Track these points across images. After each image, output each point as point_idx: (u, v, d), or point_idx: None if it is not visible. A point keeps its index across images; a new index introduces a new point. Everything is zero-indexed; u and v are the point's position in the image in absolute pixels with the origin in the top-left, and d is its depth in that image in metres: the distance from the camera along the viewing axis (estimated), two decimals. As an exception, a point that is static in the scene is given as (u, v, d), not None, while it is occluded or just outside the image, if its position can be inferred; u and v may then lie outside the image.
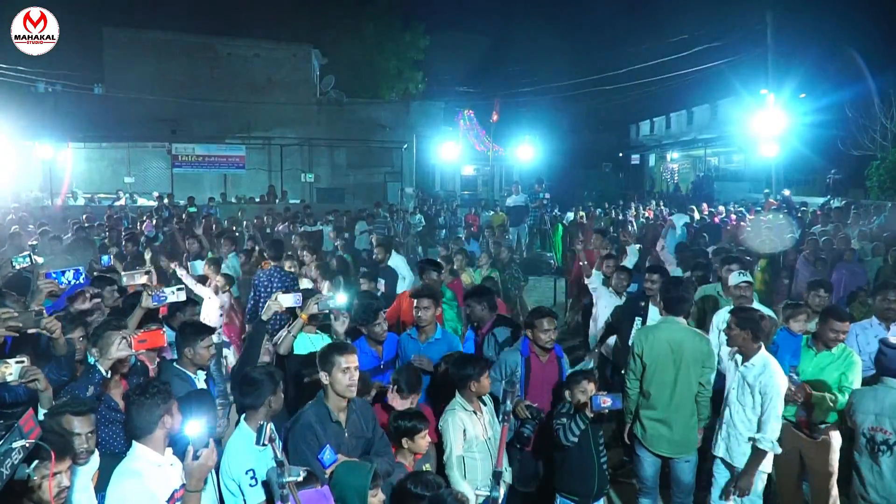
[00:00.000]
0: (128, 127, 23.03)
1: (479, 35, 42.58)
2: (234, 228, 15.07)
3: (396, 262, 9.21)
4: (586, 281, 8.07)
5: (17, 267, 4.24)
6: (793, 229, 13.32)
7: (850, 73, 22.30)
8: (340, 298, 5.07)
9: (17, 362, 2.88)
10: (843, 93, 22.39)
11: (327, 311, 5.14)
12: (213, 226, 15.30)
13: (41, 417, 2.94)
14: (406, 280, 9.23)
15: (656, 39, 30.50)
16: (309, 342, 5.10)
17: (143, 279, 4.82)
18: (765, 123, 22.22)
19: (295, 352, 4.88)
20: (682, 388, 4.80)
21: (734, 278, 5.94)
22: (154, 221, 15.43)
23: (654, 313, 6.09)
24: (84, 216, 15.37)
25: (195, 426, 2.96)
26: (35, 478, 2.39)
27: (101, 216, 16.67)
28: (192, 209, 17.30)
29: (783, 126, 22.25)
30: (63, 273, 3.86)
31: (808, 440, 4.93)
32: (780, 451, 4.53)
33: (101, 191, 22.69)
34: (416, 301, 5.13)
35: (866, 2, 27.35)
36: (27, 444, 2.24)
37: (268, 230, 15.42)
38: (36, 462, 2.31)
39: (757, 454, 4.49)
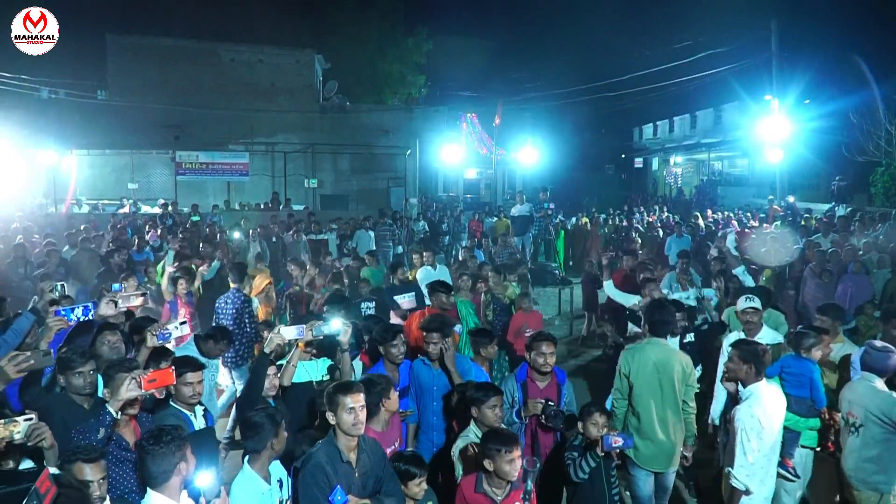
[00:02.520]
0: (131, 133, 23.05)
1: (481, 39, 42.63)
2: (238, 236, 15.06)
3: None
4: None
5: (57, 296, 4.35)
6: (797, 241, 13.25)
7: (855, 79, 22.26)
8: (335, 324, 5.09)
9: (25, 419, 2.86)
10: (847, 99, 22.33)
11: (322, 337, 5.18)
12: (217, 234, 15.32)
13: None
14: None
15: (661, 45, 30.51)
16: (303, 370, 5.18)
17: (139, 301, 4.81)
18: (769, 129, 22.19)
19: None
20: (668, 406, 4.98)
21: (741, 304, 5.82)
22: (158, 231, 15.43)
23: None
24: (83, 226, 15.36)
25: (206, 478, 2.95)
26: None
27: (106, 224, 16.70)
28: (196, 218, 17.30)
29: (787, 132, 22.21)
30: (72, 310, 3.86)
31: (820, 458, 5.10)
32: (752, 491, 4.38)
33: (105, 197, 22.74)
34: (424, 335, 5.09)
35: (871, 8, 27.29)
36: (43, 509, 2.24)
37: (274, 239, 15.45)
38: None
39: (733, 492, 4.43)
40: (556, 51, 40.82)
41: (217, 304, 7.93)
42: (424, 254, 10.02)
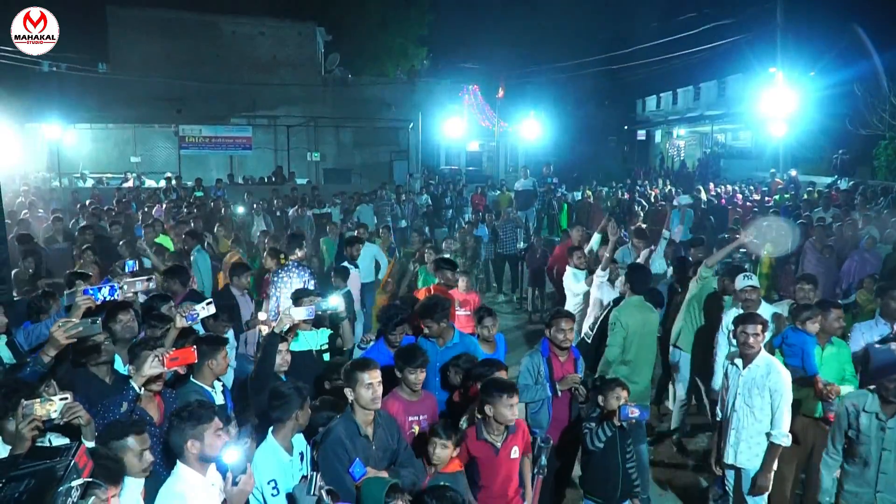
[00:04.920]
0: (133, 107, 22.97)
1: (484, 10, 42.10)
2: (242, 211, 15.12)
3: (372, 251, 9.65)
4: (565, 282, 8.13)
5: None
6: (798, 218, 13.25)
7: (859, 51, 22.06)
8: (333, 300, 5.30)
9: (60, 399, 2.99)
10: (851, 71, 22.18)
11: (321, 313, 5.37)
12: (222, 209, 15.37)
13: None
14: (383, 266, 9.69)
15: (665, 16, 30.19)
16: (304, 339, 5.46)
17: (144, 286, 4.89)
18: (773, 102, 22.07)
19: (291, 348, 5.11)
20: (650, 352, 6.02)
21: (740, 282, 5.98)
22: (164, 206, 15.48)
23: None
24: (88, 202, 15.43)
25: (232, 454, 3.07)
26: None
27: (110, 197, 16.76)
28: (199, 193, 17.33)
29: (792, 105, 22.08)
30: (99, 289, 3.99)
31: (823, 429, 5.15)
32: (789, 443, 4.80)
33: (109, 170, 22.78)
34: (422, 321, 5.19)
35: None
36: (83, 482, 2.37)
37: (278, 213, 15.52)
38: (92, 499, 2.43)
39: (772, 450, 4.75)
40: (559, 22, 40.39)
41: (275, 278, 7.29)
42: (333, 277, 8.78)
